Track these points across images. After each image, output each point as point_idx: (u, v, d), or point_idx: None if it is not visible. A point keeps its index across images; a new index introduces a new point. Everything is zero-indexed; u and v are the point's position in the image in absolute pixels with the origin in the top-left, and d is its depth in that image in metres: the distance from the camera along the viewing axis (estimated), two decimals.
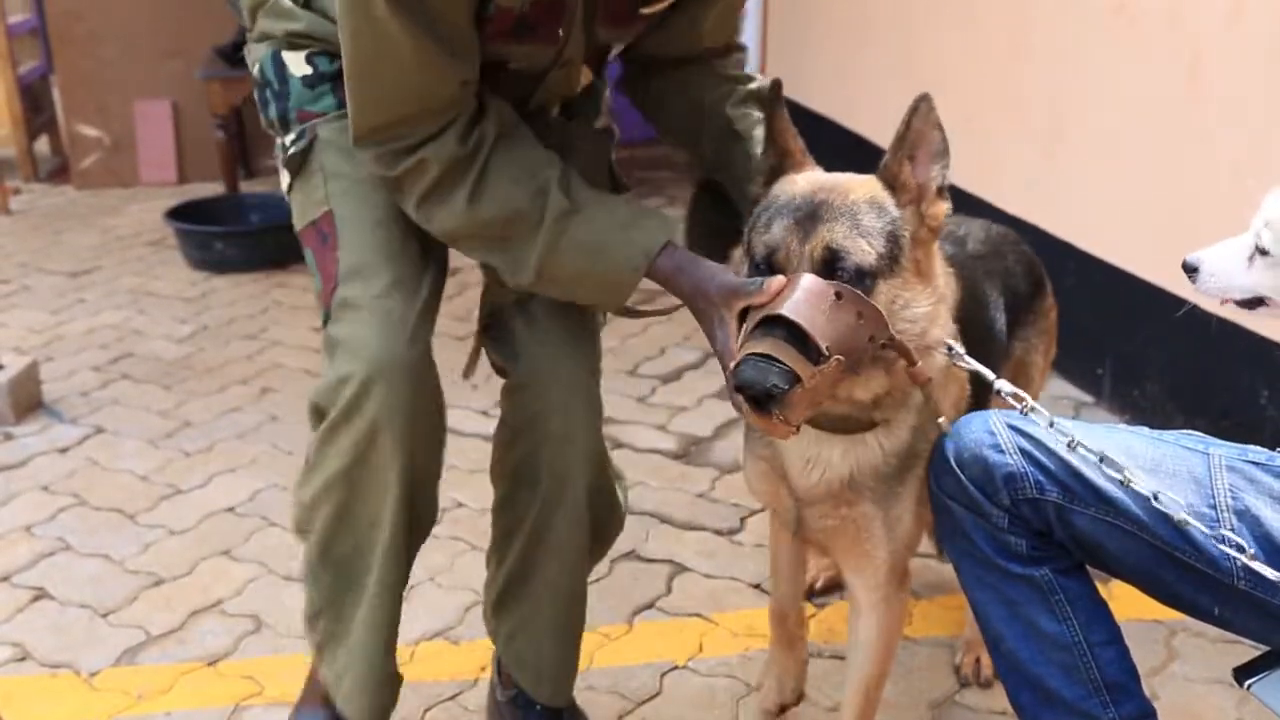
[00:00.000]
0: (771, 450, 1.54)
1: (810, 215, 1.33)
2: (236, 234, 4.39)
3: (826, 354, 1.23)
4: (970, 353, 1.48)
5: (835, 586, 2.34)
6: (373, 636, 1.66)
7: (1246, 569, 1.25)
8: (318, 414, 1.60)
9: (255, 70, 1.67)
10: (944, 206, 1.40)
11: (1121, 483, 1.29)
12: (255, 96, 1.69)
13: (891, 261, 1.33)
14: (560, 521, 1.74)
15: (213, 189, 5.02)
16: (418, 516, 1.66)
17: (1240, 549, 1.22)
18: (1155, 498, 1.27)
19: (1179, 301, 2.79)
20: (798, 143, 1.45)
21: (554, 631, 1.83)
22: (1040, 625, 1.42)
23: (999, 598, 1.43)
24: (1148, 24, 2.84)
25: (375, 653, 1.68)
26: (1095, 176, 3.09)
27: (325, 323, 1.59)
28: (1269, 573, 1.21)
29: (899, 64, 3.99)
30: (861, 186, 1.37)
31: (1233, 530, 1.28)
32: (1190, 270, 1.44)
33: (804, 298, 1.25)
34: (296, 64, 1.62)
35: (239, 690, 2.12)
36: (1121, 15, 2.93)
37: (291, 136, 1.63)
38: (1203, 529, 1.25)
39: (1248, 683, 1.34)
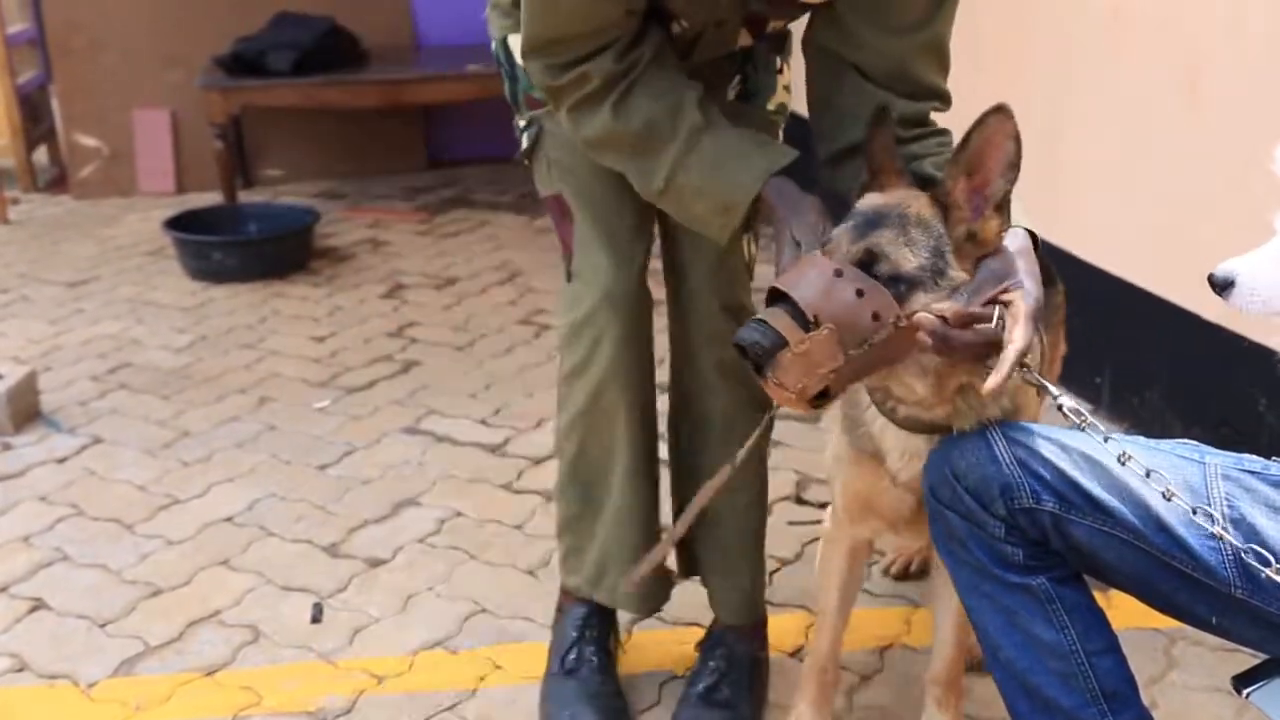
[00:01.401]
0: (874, 446, 1.61)
1: (868, 222, 1.41)
2: (235, 244, 4.40)
3: (815, 322, 1.31)
4: None
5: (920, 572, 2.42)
6: (617, 546, 1.97)
7: (1242, 576, 1.25)
8: (560, 350, 1.93)
9: (493, 47, 1.89)
10: (995, 224, 1.39)
11: (1164, 495, 1.28)
12: (496, 66, 1.91)
13: (935, 275, 1.37)
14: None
15: (211, 199, 5.03)
16: (649, 446, 1.97)
17: (1265, 562, 1.21)
18: (1193, 508, 1.26)
19: (1178, 310, 2.79)
20: (894, 162, 1.49)
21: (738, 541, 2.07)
22: (1038, 634, 1.41)
23: (996, 606, 1.43)
24: (1144, 30, 2.85)
25: (624, 557, 1.96)
26: (1094, 184, 3.09)
27: (568, 278, 1.89)
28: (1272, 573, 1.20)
29: None
30: (917, 201, 1.42)
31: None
32: (1224, 285, 1.31)
33: (801, 270, 1.36)
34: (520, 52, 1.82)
35: (237, 700, 2.12)
36: (1118, 21, 2.94)
37: (522, 124, 1.88)
38: (1213, 528, 1.25)
39: (1246, 691, 1.34)
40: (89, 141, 5.37)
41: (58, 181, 5.65)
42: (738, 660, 2.05)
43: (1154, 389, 2.93)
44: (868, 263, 1.36)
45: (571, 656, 2.03)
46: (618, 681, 2.05)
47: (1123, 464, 1.31)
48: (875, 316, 1.32)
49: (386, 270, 4.43)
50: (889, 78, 1.62)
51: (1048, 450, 1.36)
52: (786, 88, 1.93)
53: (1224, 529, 1.26)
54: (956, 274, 1.38)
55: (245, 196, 5.17)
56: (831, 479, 1.80)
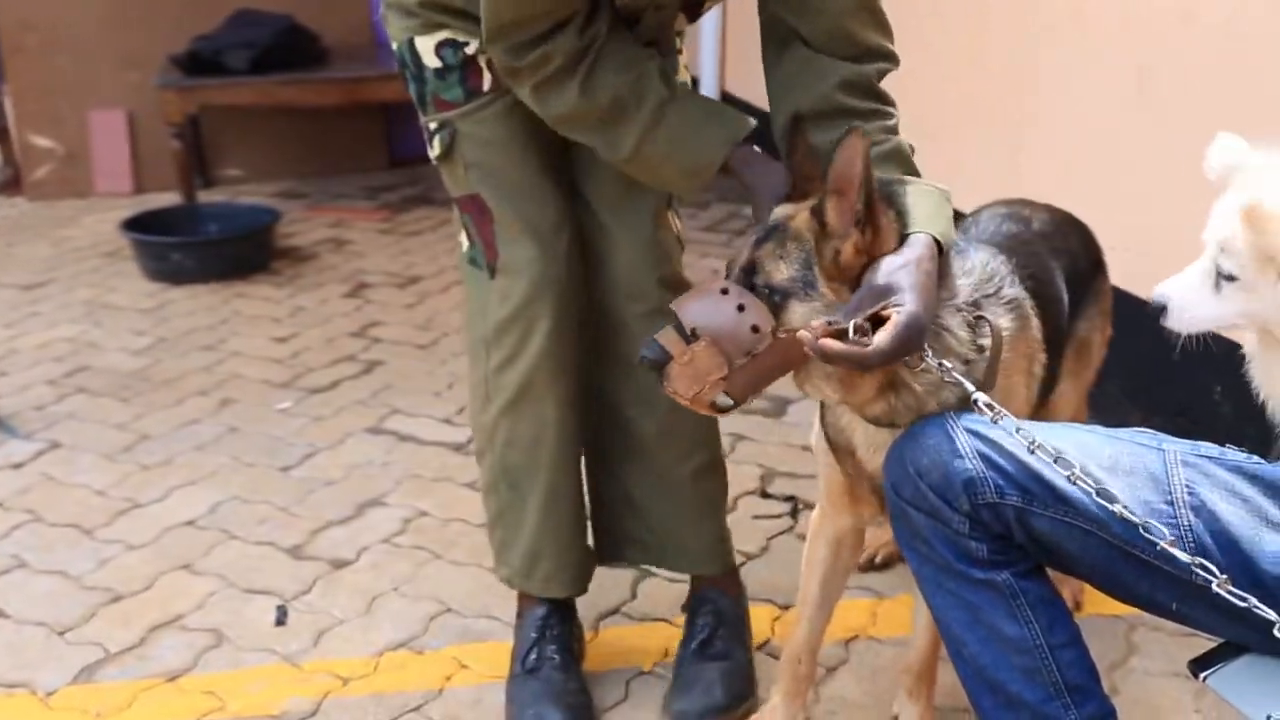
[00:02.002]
0: (844, 437, 1.67)
1: (765, 234, 1.50)
2: (194, 244, 4.35)
3: (693, 335, 1.44)
4: (1046, 337, 1.67)
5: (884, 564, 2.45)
6: (550, 532, 2.01)
7: (1203, 565, 1.26)
8: (485, 347, 1.93)
9: (394, 48, 1.86)
10: (850, 244, 1.43)
11: (1069, 479, 1.30)
12: (398, 68, 1.88)
13: (805, 286, 1.45)
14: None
15: (170, 199, 4.97)
16: (575, 431, 1.99)
17: (1204, 563, 1.23)
18: (1099, 493, 1.28)
19: (1136, 301, 2.82)
20: (815, 168, 1.54)
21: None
22: (1002, 630, 1.42)
23: (959, 603, 1.43)
24: (1101, 31, 2.88)
25: (558, 541, 2.02)
26: (1054, 179, 3.12)
27: (491, 275, 1.89)
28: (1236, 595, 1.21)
29: None
30: (801, 215, 1.49)
31: (1189, 526, 1.29)
32: (1159, 309, 1.39)
33: (692, 292, 1.51)
34: (428, 54, 1.81)
35: (200, 706, 2.09)
36: (1076, 21, 2.96)
37: (434, 125, 1.86)
38: (1115, 508, 1.26)
39: (1203, 675, 1.35)
40: (43, 142, 5.29)
41: (12, 183, 5.56)
42: (725, 614, 2.11)
43: (1113, 380, 2.96)
44: (751, 272, 1.48)
45: (532, 657, 2.03)
46: (582, 679, 2.05)
47: (1031, 452, 1.33)
48: (755, 329, 1.44)
49: (349, 270, 4.40)
50: (831, 40, 1.64)
51: (1009, 442, 1.37)
52: (686, 67, 1.96)
53: (1126, 508, 1.27)
54: (824, 290, 1.45)
55: (205, 197, 5.12)
56: (816, 468, 1.83)
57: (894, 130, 1.67)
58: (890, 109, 1.69)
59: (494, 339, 1.91)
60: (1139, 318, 2.76)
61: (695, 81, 2.00)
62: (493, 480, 2.03)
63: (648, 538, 2.12)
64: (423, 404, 3.26)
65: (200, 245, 4.35)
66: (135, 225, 4.38)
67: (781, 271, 1.46)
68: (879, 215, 1.45)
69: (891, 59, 1.70)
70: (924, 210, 1.50)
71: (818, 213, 1.46)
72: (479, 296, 1.92)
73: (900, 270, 1.42)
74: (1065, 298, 1.89)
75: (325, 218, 5.02)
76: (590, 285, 1.97)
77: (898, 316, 1.38)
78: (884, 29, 1.69)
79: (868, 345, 1.36)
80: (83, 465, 2.95)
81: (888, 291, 1.40)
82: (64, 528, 2.67)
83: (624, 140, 1.64)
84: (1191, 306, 1.35)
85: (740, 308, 1.44)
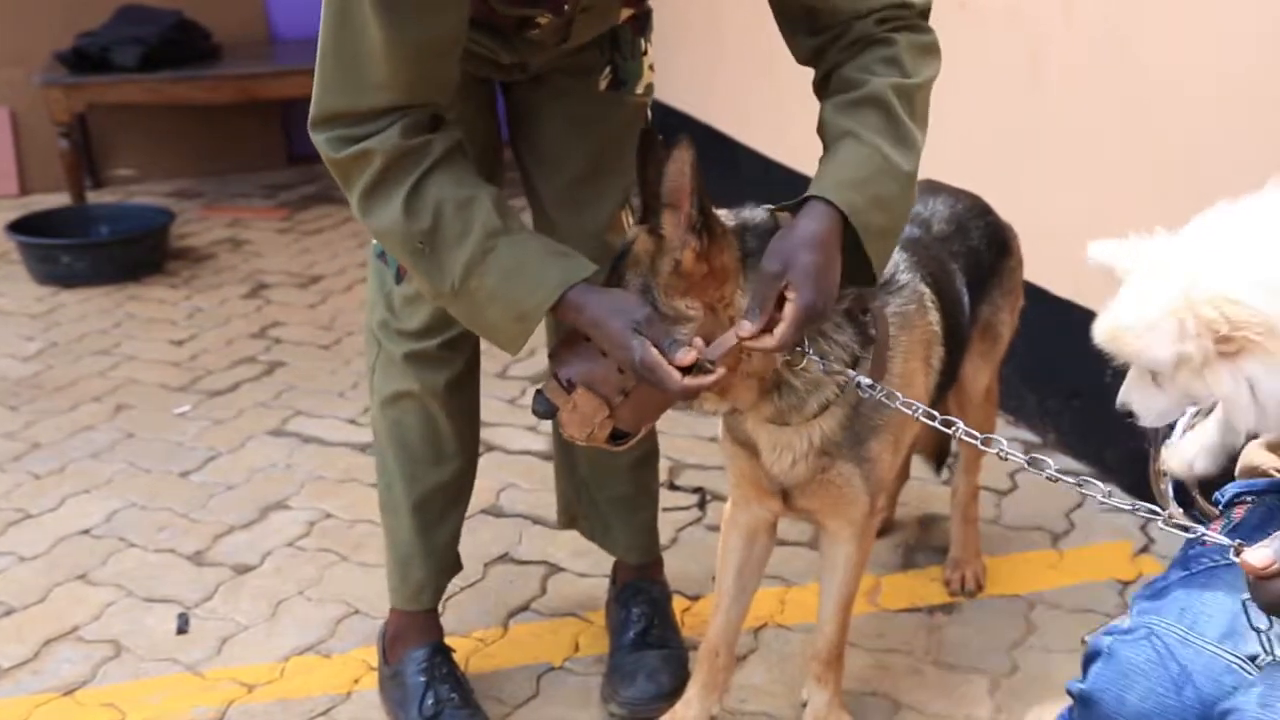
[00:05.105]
0: (747, 436, 1.70)
1: (612, 265, 1.53)
2: (84, 246, 4.22)
3: (568, 386, 1.49)
4: (945, 331, 1.74)
5: None
6: (422, 535, 1.98)
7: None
8: (376, 340, 1.91)
9: None
10: (690, 253, 1.44)
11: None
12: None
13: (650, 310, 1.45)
14: None
15: (59, 200, 4.82)
16: (465, 427, 1.98)
17: None
18: None
19: (1029, 286, 2.91)
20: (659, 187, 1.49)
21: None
22: None
23: None
24: (989, 19, 2.95)
25: (431, 546, 2.00)
26: (945, 164, 3.18)
27: (398, 281, 1.84)
28: None
29: (757, 64, 4.05)
30: (640, 238, 1.50)
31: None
32: (1129, 414, 1.36)
33: (562, 342, 1.54)
34: None
35: (99, 718, 2.04)
36: (965, 11, 3.03)
37: None
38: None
39: None
40: None
41: None
42: (659, 603, 2.16)
43: (1009, 364, 3.03)
44: None
45: (429, 703, 1.95)
46: (480, 709, 1.99)
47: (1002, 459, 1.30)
48: (620, 370, 1.46)
49: (247, 270, 4.31)
50: (841, 15, 1.55)
51: None
52: (651, 67, 1.94)
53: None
54: (667, 306, 1.46)
55: (95, 197, 4.98)
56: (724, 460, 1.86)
57: (893, 60, 1.54)
58: (892, 36, 1.55)
59: (387, 336, 1.89)
60: (1033, 301, 2.85)
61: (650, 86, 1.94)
62: (378, 472, 2.02)
63: (592, 516, 2.18)
64: (326, 405, 3.21)
65: (91, 247, 4.22)
66: (22, 227, 4.24)
67: None
68: (714, 222, 1.46)
69: (908, 7, 1.57)
70: (844, 174, 1.45)
71: (654, 229, 1.46)
72: (379, 288, 1.89)
73: (798, 249, 1.40)
74: (964, 299, 1.91)
75: (222, 217, 4.91)
76: None
77: (791, 308, 1.39)
78: None
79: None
80: None
81: (781, 275, 1.40)
82: None
83: (448, 269, 1.47)
84: (1150, 407, 1.34)
85: (603, 353, 1.46)
